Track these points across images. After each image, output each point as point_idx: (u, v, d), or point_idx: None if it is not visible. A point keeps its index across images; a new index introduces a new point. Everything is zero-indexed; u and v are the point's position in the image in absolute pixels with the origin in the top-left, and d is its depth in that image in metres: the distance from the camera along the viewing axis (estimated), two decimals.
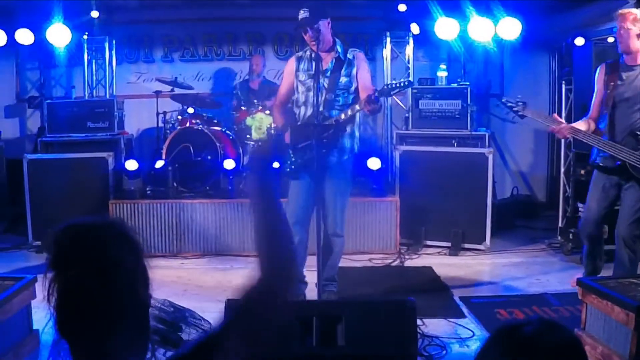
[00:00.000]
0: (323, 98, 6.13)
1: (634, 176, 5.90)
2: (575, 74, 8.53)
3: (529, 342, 1.80)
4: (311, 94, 6.18)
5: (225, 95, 10.64)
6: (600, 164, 6.21)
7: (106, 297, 1.80)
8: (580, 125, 6.30)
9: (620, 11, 5.95)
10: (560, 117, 8.41)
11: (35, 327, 5.43)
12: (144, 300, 1.92)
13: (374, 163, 8.49)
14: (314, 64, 6.13)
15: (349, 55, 6.32)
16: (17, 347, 5.07)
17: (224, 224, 8.44)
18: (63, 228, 1.88)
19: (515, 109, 6.21)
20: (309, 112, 6.24)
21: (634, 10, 5.89)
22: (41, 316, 5.58)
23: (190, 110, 9.49)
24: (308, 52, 6.39)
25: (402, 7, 10.00)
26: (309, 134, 6.00)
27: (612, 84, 6.06)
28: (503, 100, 6.40)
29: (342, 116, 6.10)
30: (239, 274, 7.59)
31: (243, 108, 9.55)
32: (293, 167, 6.33)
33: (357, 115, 6.30)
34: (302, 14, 6.13)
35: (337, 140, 6.17)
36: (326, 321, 4.04)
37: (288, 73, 6.56)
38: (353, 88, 6.28)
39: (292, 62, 6.54)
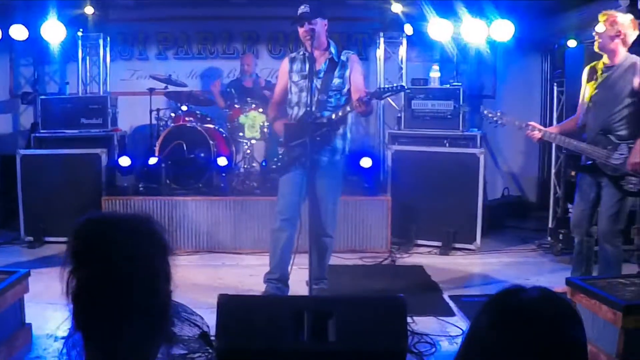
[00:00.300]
0: (315, 99, 6.16)
1: (606, 174, 6.06)
2: (567, 76, 8.57)
3: (523, 310, 1.77)
4: (304, 94, 6.23)
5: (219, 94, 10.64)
6: (577, 163, 6.52)
7: (122, 294, 1.78)
8: (554, 128, 6.63)
9: (603, 12, 6.12)
10: (552, 118, 8.64)
11: (27, 321, 5.45)
12: (163, 298, 1.89)
13: (365, 162, 8.55)
14: (307, 64, 6.22)
15: (343, 57, 6.37)
16: (9, 340, 5.08)
17: (217, 222, 8.46)
18: (84, 221, 1.87)
19: (495, 118, 6.51)
20: (302, 112, 6.29)
21: (615, 14, 6.06)
22: (34, 310, 5.63)
23: (184, 107, 9.52)
24: (301, 53, 6.44)
25: (396, 8, 10.03)
26: (302, 133, 6.04)
27: (591, 84, 6.25)
28: (485, 112, 6.59)
29: (334, 116, 6.15)
30: (230, 271, 7.65)
31: (237, 106, 9.55)
32: (279, 164, 6.39)
33: (350, 116, 6.35)
34: (302, 9, 6.18)
35: (330, 140, 6.22)
36: (318, 316, 4.08)
37: (282, 73, 6.62)
38: (345, 89, 6.33)
39: (285, 62, 6.59)
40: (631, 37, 6.01)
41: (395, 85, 6.20)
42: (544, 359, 1.71)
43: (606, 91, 6.10)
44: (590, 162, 6.16)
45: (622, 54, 6.04)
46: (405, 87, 6.87)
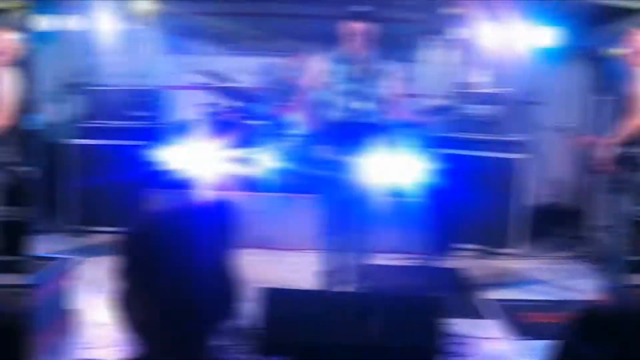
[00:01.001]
0: (350, 103, 6.19)
1: None
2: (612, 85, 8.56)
3: (611, 322, 1.77)
4: (339, 97, 6.30)
5: (268, 91, 10.68)
6: None
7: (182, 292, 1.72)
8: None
9: (634, 28, 6.32)
10: None
11: (73, 307, 5.60)
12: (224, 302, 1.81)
13: None
14: (344, 66, 6.26)
15: (380, 66, 6.41)
16: (56, 325, 5.22)
17: (261, 217, 8.44)
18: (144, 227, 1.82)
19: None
20: (336, 114, 6.34)
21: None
22: (79, 297, 5.77)
23: (234, 103, 9.60)
24: (339, 54, 6.46)
25: (446, 9, 10.03)
26: (342, 136, 6.09)
27: None
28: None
29: (385, 119, 6.23)
30: (273, 267, 7.76)
31: (284, 104, 9.63)
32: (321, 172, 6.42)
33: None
34: (363, 7, 6.21)
35: (368, 143, 6.26)
36: (357, 312, 4.17)
37: (314, 71, 6.63)
38: (380, 98, 6.39)
39: (319, 60, 6.61)
40: None
41: (441, 104, 6.25)
42: None
43: None
44: None
45: None
46: (452, 108, 6.80)
